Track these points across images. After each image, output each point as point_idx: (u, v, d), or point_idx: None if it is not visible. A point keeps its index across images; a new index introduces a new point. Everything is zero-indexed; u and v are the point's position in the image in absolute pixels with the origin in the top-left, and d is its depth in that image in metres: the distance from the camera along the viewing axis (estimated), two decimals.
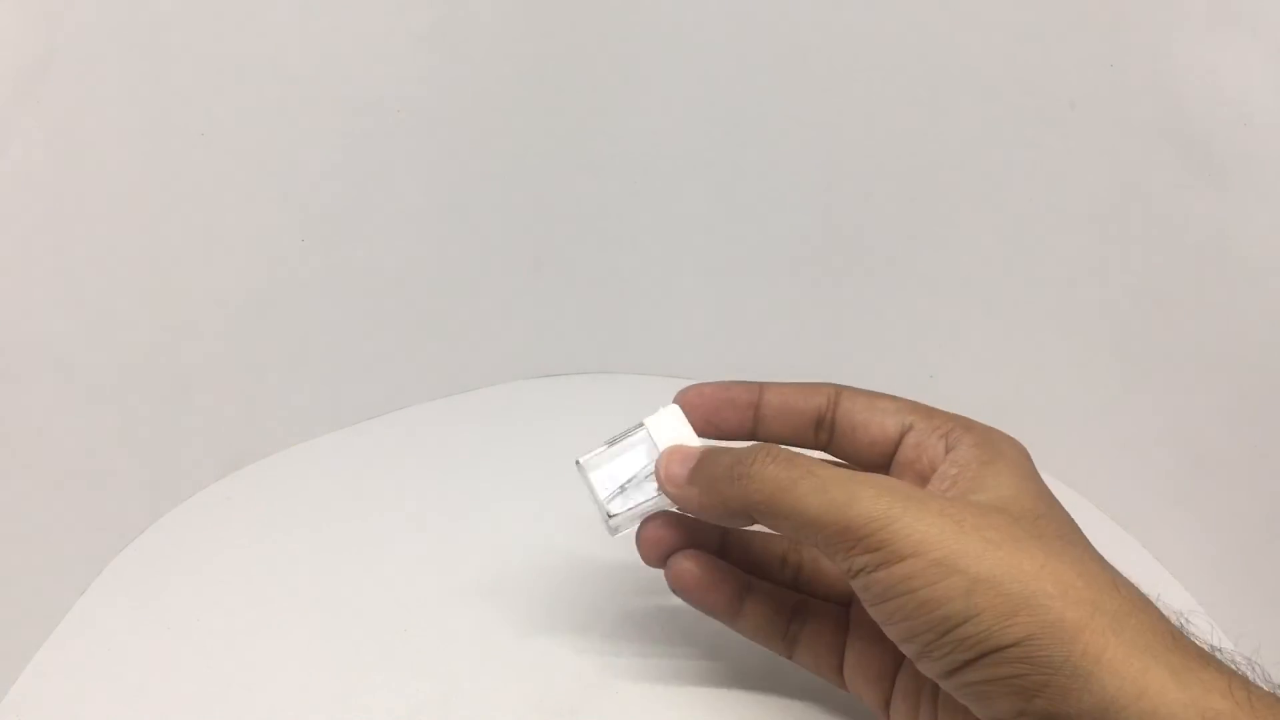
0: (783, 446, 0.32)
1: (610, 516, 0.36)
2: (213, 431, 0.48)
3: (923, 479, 0.32)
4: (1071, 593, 0.26)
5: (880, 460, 0.34)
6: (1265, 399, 0.39)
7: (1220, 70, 0.38)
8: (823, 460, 0.31)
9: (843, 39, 0.46)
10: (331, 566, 0.44)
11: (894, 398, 0.34)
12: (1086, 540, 0.29)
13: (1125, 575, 0.28)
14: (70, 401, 0.41)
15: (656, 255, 0.53)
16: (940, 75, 0.45)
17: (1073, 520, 0.30)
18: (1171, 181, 0.41)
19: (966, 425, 0.33)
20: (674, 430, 0.35)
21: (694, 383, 0.36)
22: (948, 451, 0.32)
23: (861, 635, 0.34)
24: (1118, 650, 0.25)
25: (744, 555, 0.37)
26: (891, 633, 0.29)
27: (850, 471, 0.30)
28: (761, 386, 0.36)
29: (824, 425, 0.35)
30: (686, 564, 0.35)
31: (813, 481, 0.29)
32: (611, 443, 0.36)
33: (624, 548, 0.36)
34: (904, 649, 0.29)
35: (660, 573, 0.36)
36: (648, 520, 0.36)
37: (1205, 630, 0.29)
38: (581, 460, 0.36)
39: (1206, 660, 0.26)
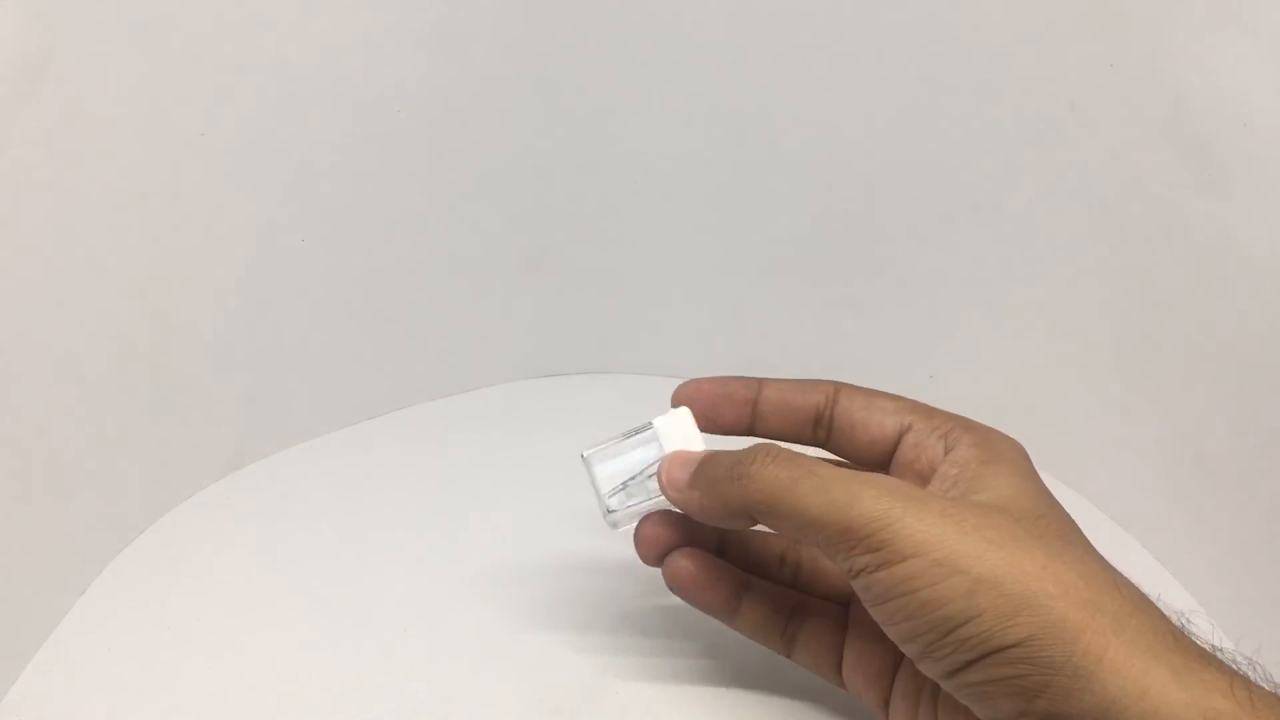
0: (783, 445, 0.32)
1: (609, 512, 0.36)
2: (213, 431, 0.48)
3: (922, 479, 0.32)
4: (1073, 593, 0.26)
5: (879, 460, 0.34)
6: (1265, 399, 0.39)
7: (1220, 70, 0.38)
8: (823, 459, 0.31)
9: (843, 39, 0.46)
10: (331, 566, 0.44)
11: (893, 396, 0.34)
12: (1087, 541, 0.29)
13: (1125, 575, 0.28)
14: (70, 401, 0.41)
15: (656, 255, 0.53)
16: (940, 75, 0.45)
17: (1073, 520, 0.30)
18: (1171, 181, 0.41)
19: (966, 425, 0.33)
20: (681, 433, 0.35)
21: (685, 369, 0.36)
22: (947, 452, 0.32)
23: (860, 634, 0.34)
24: (1119, 650, 0.25)
25: (742, 554, 0.37)
26: (892, 633, 0.29)
27: (851, 471, 0.30)
28: (760, 382, 0.36)
29: (822, 423, 0.35)
30: (683, 562, 0.35)
31: (814, 481, 0.29)
32: (619, 439, 0.36)
33: (624, 548, 0.36)
34: (905, 649, 0.29)
35: (660, 572, 0.36)
36: (645, 519, 0.36)
37: (1206, 630, 0.29)
38: (586, 453, 0.36)
39: (1208, 660, 0.26)
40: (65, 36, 0.38)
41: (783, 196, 0.50)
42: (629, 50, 0.47)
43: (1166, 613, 0.27)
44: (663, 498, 0.34)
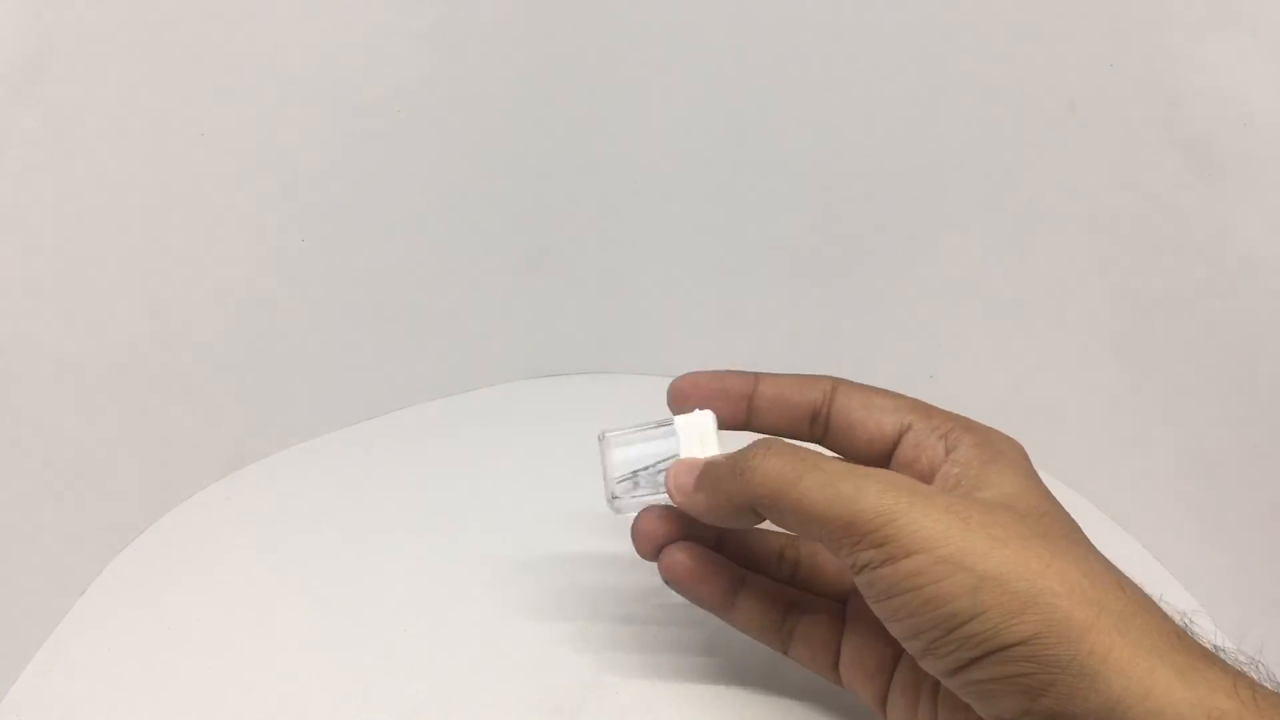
0: (785, 440, 0.32)
1: (614, 498, 0.36)
2: (213, 431, 0.48)
3: (923, 480, 0.32)
4: (1078, 592, 0.26)
5: (878, 459, 0.34)
6: (1265, 399, 0.39)
7: (1220, 70, 0.38)
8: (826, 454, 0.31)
9: (843, 39, 0.46)
10: (331, 566, 0.44)
11: (892, 394, 0.34)
12: (1089, 540, 0.29)
13: (1126, 575, 0.28)
14: (70, 401, 0.41)
15: (656, 255, 0.53)
16: (940, 75, 0.45)
17: (1074, 520, 0.30)
18: (1171, 181, 0.41)
19: (966, 425, 0.33)
20: (700, 437, 0.35)
21: (688, 371, 0.36)
22: (948, 452, 0.32)
23: (858, 630, 0.34)
24: (1124, 650, 0.25)
25: (741, 550, 0.37)
26: (895, 630, 0.28)
27: (855, 466, 0.30)
28: (756, 377, 0.36)
29: (819, 419, 0.35)
30: (679, 555, 0.35)
31: (818, 475, 0.29)
32: (639, 427, 0.36)
33: (624, 548, 0.36)
34: (908, 646, 0.28)
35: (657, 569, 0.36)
36: (643, 512, 0.36)
37: (1208, 630, 0.29)
38: (606, 434, 0.36)
39: (1211, 660, 0.26)
40: (65, 36, 0.38)
41: (783, 196, 0.50)
42: (629, 50, 0.48)
43: (1169, 613, 0.27)
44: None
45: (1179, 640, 0.26)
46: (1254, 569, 0.40)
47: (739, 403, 0.35)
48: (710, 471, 0.33)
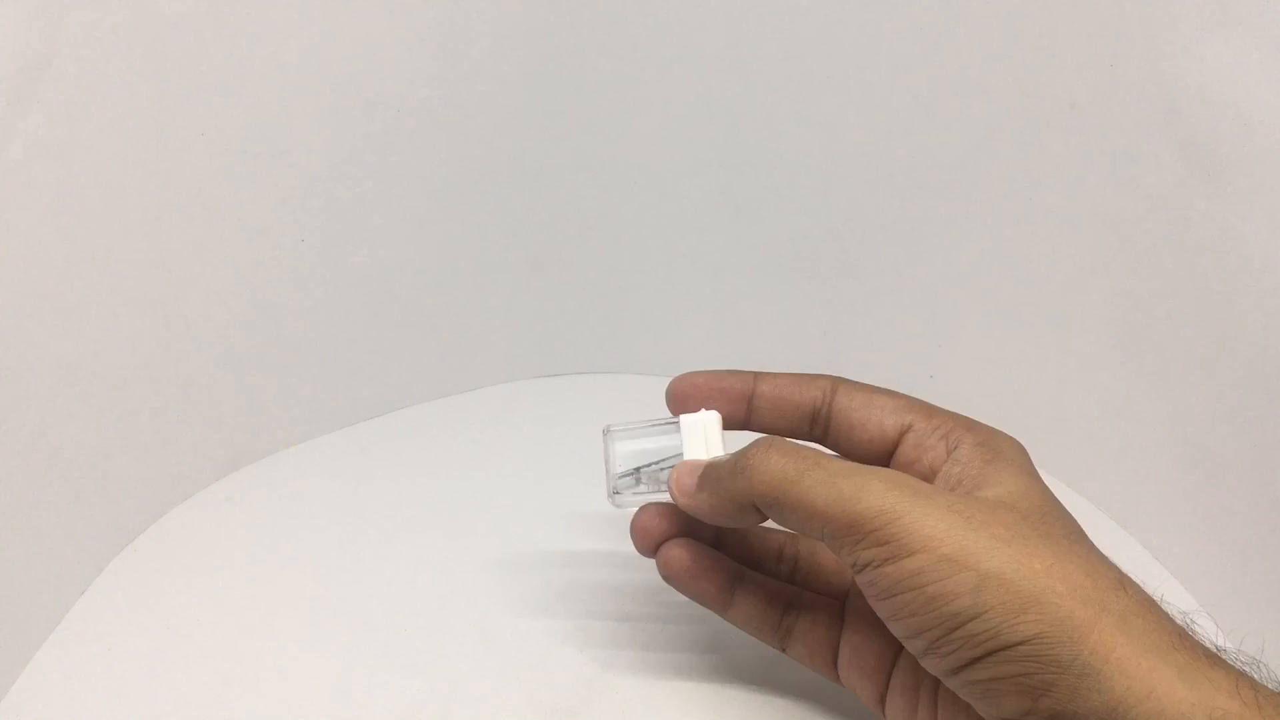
0: (787, 439, 0.31)
1: (616, 493, 0.36)
2: (213, 431, 0.48)
3: (924, 480, 0.32)
4: (1080, 591, 0.26)
5: (879, 459, 0.34)
6: (1265, 399, 0.39)
7: (1220, 70, 0.38)
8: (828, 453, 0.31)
9: (843, 39, 0.46)
10: (331, 566, 0.44)
11: (892, 394, 0.34)
12: (1090, 540, 0.29)
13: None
14: (70, 401, 0.41)
15: (656, 255, 0.53)
16: (940, 75, 0.45)
17: (1075, 520, 0.30)
18: (1171, 181, 0.41)
19: (967, 425, 0.32)
20: (705, 436, 0.35)
21: (686, 371, 0.36)
22: (949, 453, 0.32)
23: (857, 629, 0.34)
24: (1126, 650, 0.25)
25: (740, 548, 0.37)
26: (897, 629, 0.28)
27: (857, 464, 0.30)
28: (755, 376, 0.35)
29: (819, 419, 0.34)
30: (677, 551, 0.35)
31: (820, 473, 0.29)
32: (645, 424, 0.36)
33: (624, 548, 0.36)
34: (909, 645, 0.28)
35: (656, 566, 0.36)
36: (642, 509, 0.36)
37: (1210, 631, 0.29)
38: (611, 428, 0.36)
39: (1213, 660, 0.26)
40: (65, 36, 0.38)
41: (782, 196, 0.50)
42: (630, 50, 0.48)
43: (1170, 613, 0.27)
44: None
45: (1181, 640, 0.26)
46: (1254, 569, 0.40)
47: (738, 402, 0.35)
48: (712, 472, 0.32)
